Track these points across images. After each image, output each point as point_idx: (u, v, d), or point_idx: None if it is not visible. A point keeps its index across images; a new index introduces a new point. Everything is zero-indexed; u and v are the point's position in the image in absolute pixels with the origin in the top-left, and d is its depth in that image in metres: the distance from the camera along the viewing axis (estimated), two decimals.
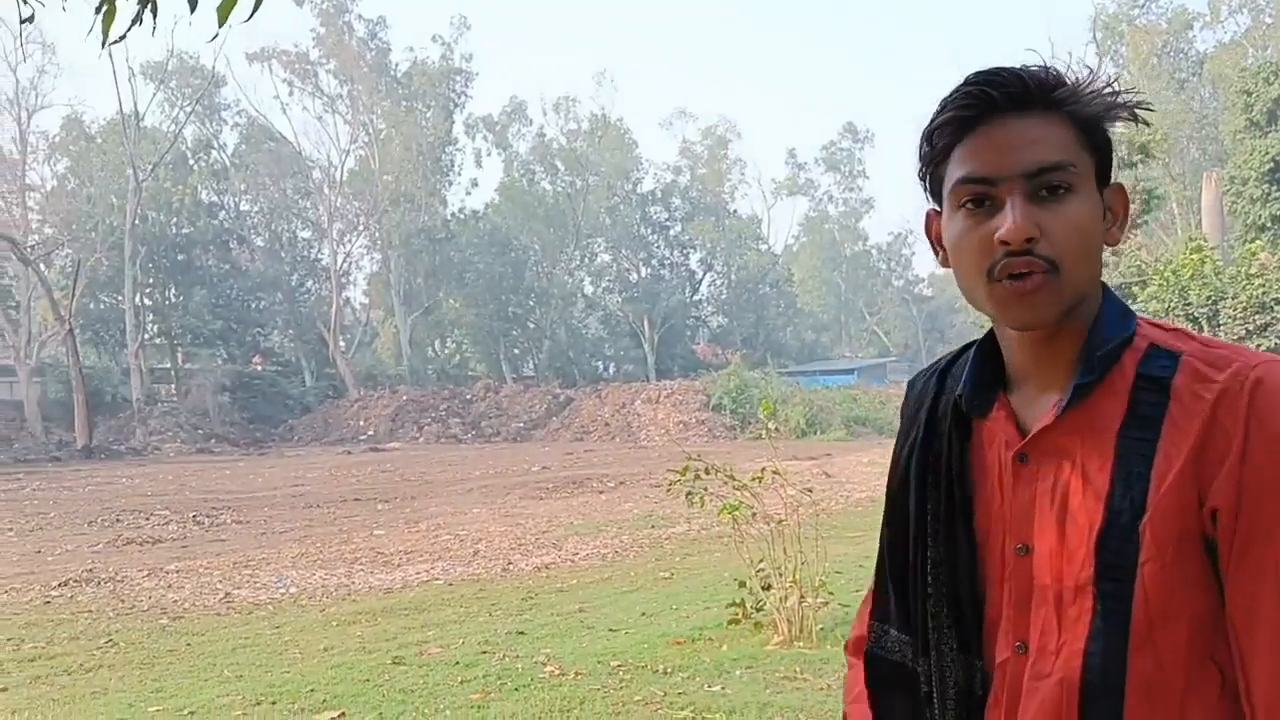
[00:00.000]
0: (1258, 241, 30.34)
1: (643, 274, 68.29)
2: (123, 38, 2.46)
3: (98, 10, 2.36)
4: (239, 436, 44.24)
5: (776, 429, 7.88)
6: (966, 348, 1.31)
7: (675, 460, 7.79)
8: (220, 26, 2.28)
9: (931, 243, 1.27)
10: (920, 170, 1.22)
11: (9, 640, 7.92)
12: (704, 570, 10.24)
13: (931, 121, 1.18)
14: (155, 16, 2.41)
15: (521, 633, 7.57)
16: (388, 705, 5.73)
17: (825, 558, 7.36)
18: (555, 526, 14.35)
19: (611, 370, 67.80)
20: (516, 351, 64.34)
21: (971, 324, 49.34)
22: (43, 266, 42.65)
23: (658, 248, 69.53)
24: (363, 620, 8.32)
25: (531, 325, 63.52)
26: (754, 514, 7.06)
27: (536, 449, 36.93)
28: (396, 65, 57.99)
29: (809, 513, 7.56)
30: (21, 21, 2.54)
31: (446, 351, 68.03)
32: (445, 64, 57.96)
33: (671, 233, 69.82)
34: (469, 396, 49.51)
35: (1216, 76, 50.66)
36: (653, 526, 13.97)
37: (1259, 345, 23.14)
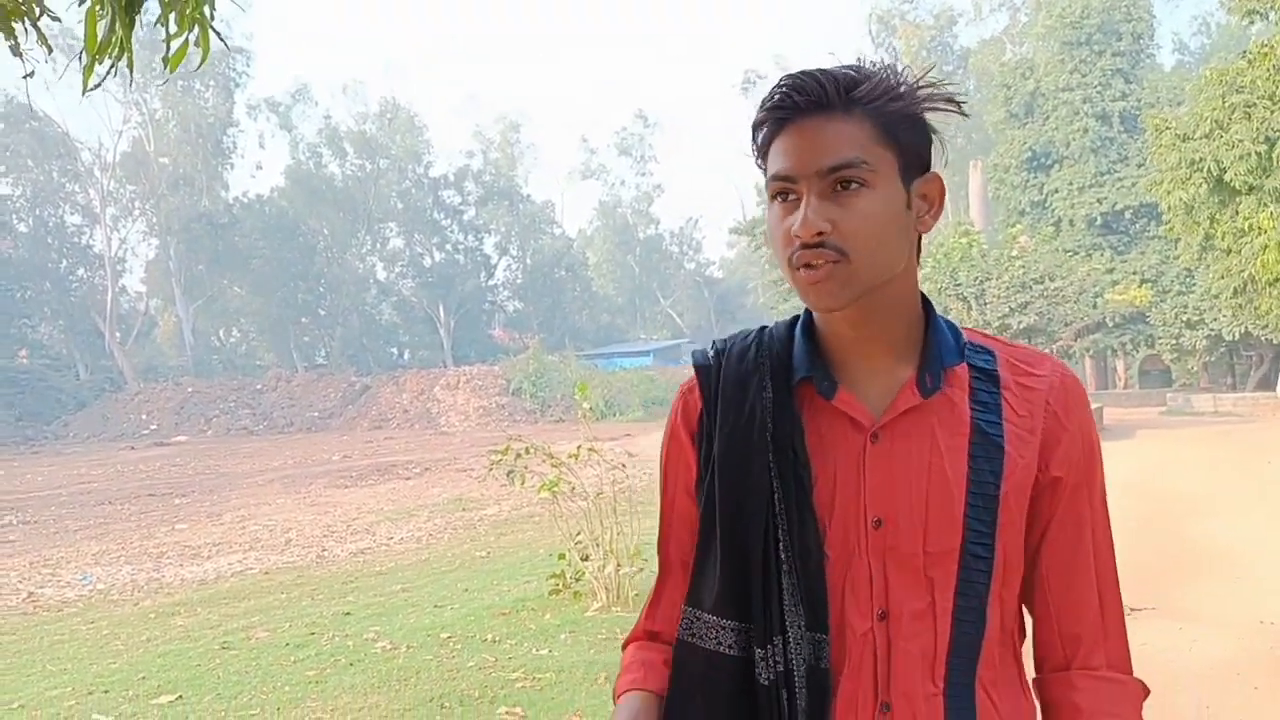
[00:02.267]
0: (1019, 225, 32.85)
1: (437, 259, 67.64)
2: (98, 85, 2.65)
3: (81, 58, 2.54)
4: (8, 435, 41.65)
5: (593, 409, 8.31)
6: (759, 331, 1.39)
7: (479, 446, 8.11)
8: (170, 71, 2.52)
9: None
10: (755, 159, 1.29)
11: None
12: (519, 548, 10.61)
13: (755, 118, 1.26)
14: (131, 69, 2.61)
15: (348, 613, 7.77)
16: (224, 686, 5.87)
17: (637, 530, 7.87)
18: (365, 513, 14.42)
19: (407, 357, 66.93)
20: (307, 340, 62.72)
21: (761, 305, 51.25)
22: None
23: (451, 232, 68.96)
24: (182, 611, 8.32)
25: (323, 312, 62.02)
26: (572, 489, 7.47)
27: (334, 438, 36.34)
28: (170, 43, 55.45)
29: (620, 488, 8.04)
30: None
31: (233, 341, 65.62)
32: (223, 42, 55.75)
33: (465, 217, 69.37)
34: (259, 387, 48.08)
35: (980, 70, 54.15)
36: (464, 509, 14.23)
37: (1020, 321, 25.10)
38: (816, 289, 1.20)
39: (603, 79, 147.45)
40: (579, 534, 7.64)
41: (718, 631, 1.31)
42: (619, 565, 7.42)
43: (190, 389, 47.09)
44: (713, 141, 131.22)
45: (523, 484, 7.56)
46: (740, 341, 1.39)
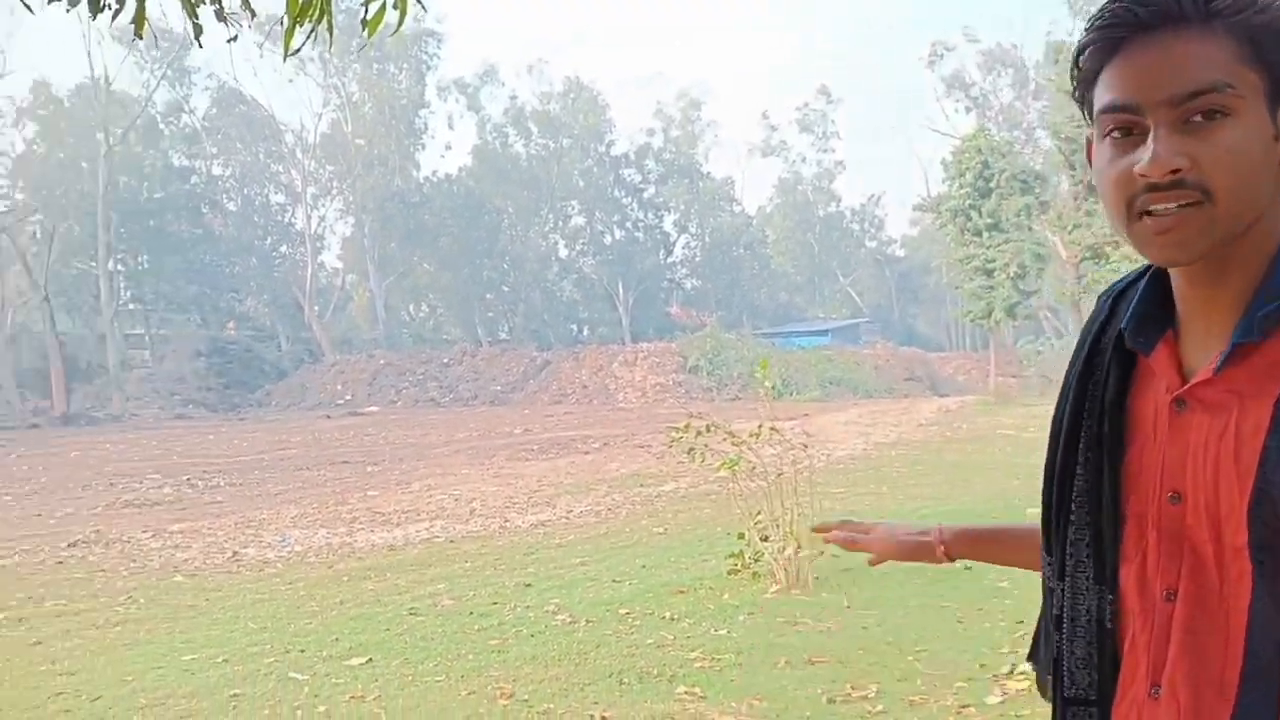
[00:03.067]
0: None
1: (617, 236, 68.40)
2: (296, 51, 2.71)
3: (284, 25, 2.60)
4: (216, 402, 44.26)
5: (771, 388, 8.18)
6: (1146, 269, 1.21)
7: (655, 422, 8.06)
8: (369, 36, 2.55)
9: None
10: (1073, 93, 1.15)
11: (29, 597, 8.17)
12: (697, 526, 10.59)
13: (1080, 40, 1.11)
14: (331, 34, 2.66)
15: (529, 585, 7.89)
16: (411, 651, 6.04)
17: (817, 512, 7.72)
18: (545, 486, 14.68)
19: (586, 333, 68.02)
20: (491, 315, 64.45)
21: (945, 284, 49.81)
22: (14, 233, 42.33)
23: (631, 210, 69.60)
24: (372, 575, 8.62)
25: (506, 289, 63.60)
26: (752, 469, 7.38)
27: (516, 412, 37.22)
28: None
29: (801, 468, 7.90)
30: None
31: (421, 315, 68.01)
32: (417, 25, 57.52)
33: (645, 195, 69.88)
34: (445, 360, 49.61)
35: None
36: (642, 485, 14.31)
37: None
38: (1165, 238, 1.04)
39: (785, 54, 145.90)
40: (758, 514, 7.54)
41: (1045, 560, 1.27)
42: (799, 547, 7.29)
43: (382, 361, 48.97)
44: (897, 115, 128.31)
45: (702, 461, 7.50)
46: (1125, 279, 1.25)
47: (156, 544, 10.68)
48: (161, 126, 54.45)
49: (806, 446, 7.94)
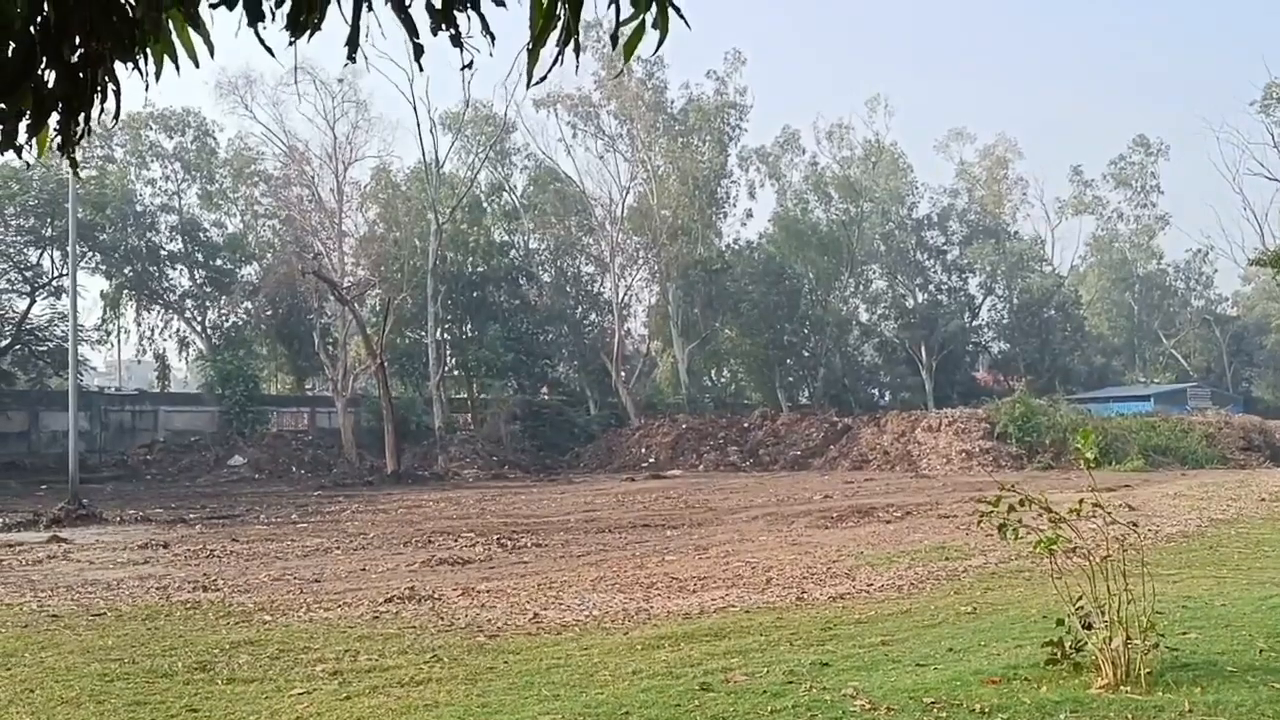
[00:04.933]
0: None
1: (919, 299, 66.82)
2: (543, 78, 2.69)
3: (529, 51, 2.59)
4: (529, 463, 46.41)
5: (1089, 457, 7.44)
6: None
7: (960, 490, 7.54)
8: (625, 61, 2.47)
9: None
10: None
11: (346, 651, 8.60)
12: (1008, 606, 9.85)
13: None
14: (578, 55, 2.62)
15: (826, 664, 7.52)
16: None
17: (1148, 596, 6.93)
18: (845, 556, 14.20)
19: (888, 398, 66.60)
20: (791, 380, 64.30)
21: None
22: (357, 306, 46.31)
23: (934, 272, 67.90)
24: (666, 645, 8.50)
25: (806, 354, 63.34)
26: (1074, 548, 6.73)
27: (815, 477, 36.69)
28: (673, 103, 59.46)
29: (1128, 545, 7.14)
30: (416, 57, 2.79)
31: (723, 380, 68.83)
32: (720, 99, 58.86)
33: (949, 257, 68.03)
34: (746, 424, 49.77)
35: None
36: (947, 558, 13.57)
37: None
38: None
39: (1095, 103, 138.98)
40: (1080, 598, 6.86)
41: None
42: (1129, 637, 6.55)
43: (684, 425, 49.74)
44: (1226, 164, 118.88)
45: (1016, 539, 6.92)
46: None
47: (464, 602, 11.07)
48: (485, 205, 58.54)
49: (1136, 526, 7.17)
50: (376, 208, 55.86)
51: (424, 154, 54.40)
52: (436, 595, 11.54)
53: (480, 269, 56.66)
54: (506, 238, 60.43)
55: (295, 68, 40.10)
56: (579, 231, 61.79)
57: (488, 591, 11.80)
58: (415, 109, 79.19)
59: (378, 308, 49.15)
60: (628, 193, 60.21)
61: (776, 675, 7.16)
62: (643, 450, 48.17)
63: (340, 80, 50.05)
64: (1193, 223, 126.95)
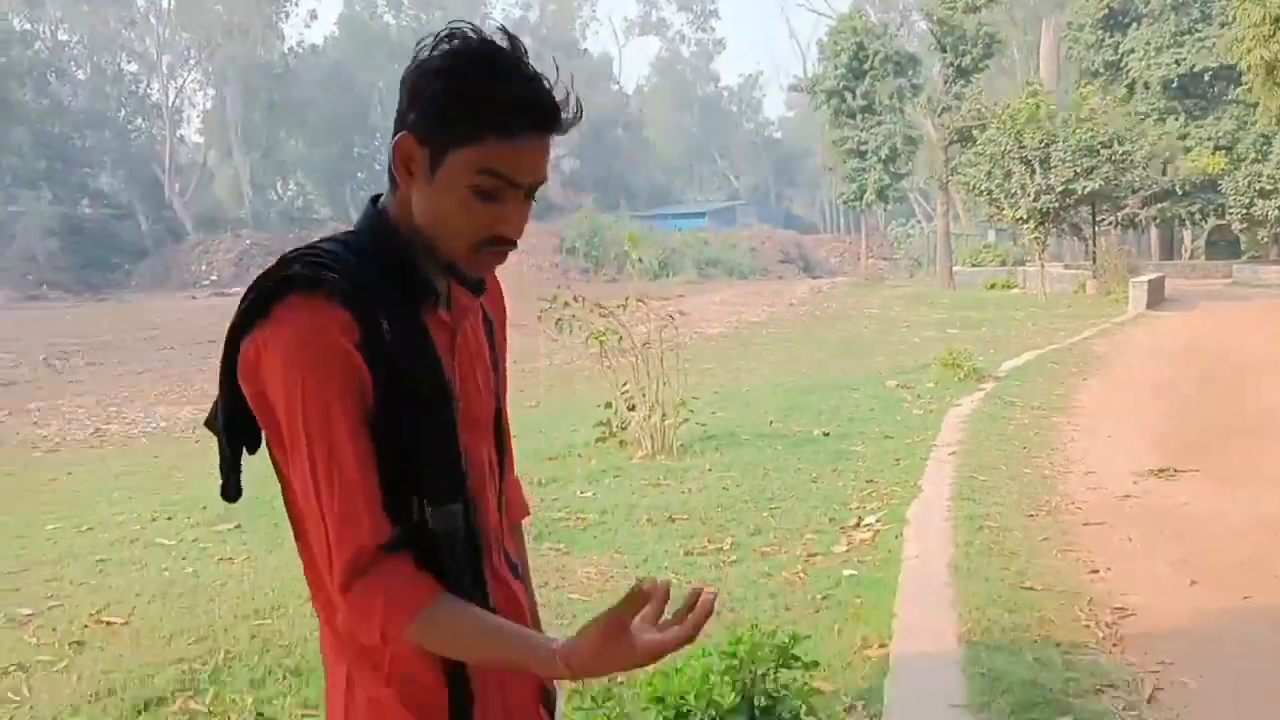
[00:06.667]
0: (1090, 87, 31.64)
1: None
2: None
3: None
4: (72, 282, 42.53)
5: (640, 260, 8.28)
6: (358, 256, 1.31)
7: (529, 303, 8.06)
8: None
9: (398, 162, 1.33)
10: (451, 108, 1.29)
11: None
12: (568, 400, 10.78)
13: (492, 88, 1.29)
14: None
15: None
16: (280, 516, 6.07)
17: (683, 383, 7.95)
18: None
19: None
20: (364, 194, 62.66)
21: (821, 166, 50.37)
22: None
23: None
24: None
25: (378, 166, 61.93)
26: (619, 341, 7.53)
27: None
28: None
29: (668, 342, 8.07)
30: None
31: (290, 194, 65.94)
32: None
33: None
34: (317, 240, 48.37)
35: None
36: (515, 361, 14.35)
37: (1085, 186, 24.35)
38: (490, 269, 1.38)
39: None
40: (625, 384, 7.73)
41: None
42: (664, 415, 7.52)
43: (249, 240, 47.58)
44: None
45: (570, 334, 7.63)
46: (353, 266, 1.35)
47: (14, 421, 10.43)
48: None
49: (674, 319, 8.10)
50: None
51: None
52: None
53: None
54: (29, 26, 53.02)
55: None
56: (118, 24, 55.69)
57: (39, 410, 11.17)
58: None
59: None
60: None
61: None
62: (204, 267, 45.69)
63: None
64: (747, 50, 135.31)
